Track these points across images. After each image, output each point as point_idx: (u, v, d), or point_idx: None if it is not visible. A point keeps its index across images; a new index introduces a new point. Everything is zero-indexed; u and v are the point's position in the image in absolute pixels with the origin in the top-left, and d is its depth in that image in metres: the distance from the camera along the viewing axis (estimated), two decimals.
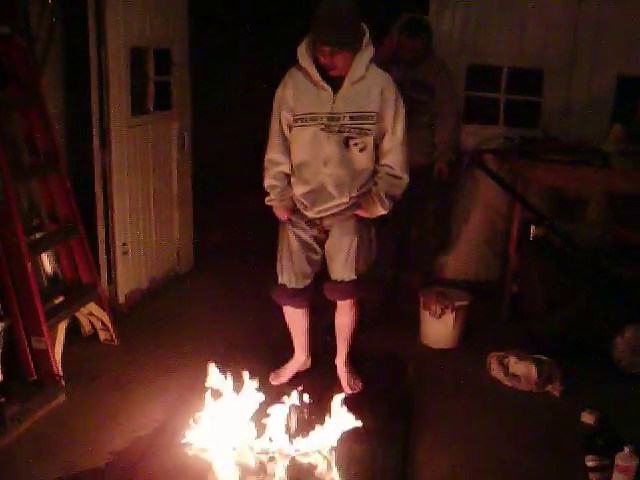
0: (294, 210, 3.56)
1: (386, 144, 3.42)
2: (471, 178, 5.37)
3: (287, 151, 3.50)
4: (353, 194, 3.46)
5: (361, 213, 3.50)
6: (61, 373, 3.76)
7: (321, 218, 3.53)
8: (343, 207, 3.48)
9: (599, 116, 5.13)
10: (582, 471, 3.21)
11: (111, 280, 4.71)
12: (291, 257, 3.60)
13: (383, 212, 3.50)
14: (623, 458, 3.06)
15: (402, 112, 3.40)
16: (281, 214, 3.57)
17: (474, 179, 5.36)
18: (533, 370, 3.98)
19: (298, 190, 3.50)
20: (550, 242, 4.49)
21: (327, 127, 3.34)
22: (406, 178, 3.49)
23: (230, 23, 6.66)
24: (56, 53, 4.36)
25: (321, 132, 3.35)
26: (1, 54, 3.88)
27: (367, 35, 3.34)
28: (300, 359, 3.94)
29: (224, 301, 5.06)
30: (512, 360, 4.07)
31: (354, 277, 3.59)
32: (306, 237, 3.59)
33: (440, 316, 4.45)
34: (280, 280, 3.67)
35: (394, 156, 3.44)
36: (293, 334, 3.89)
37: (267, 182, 3.54)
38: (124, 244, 4.73)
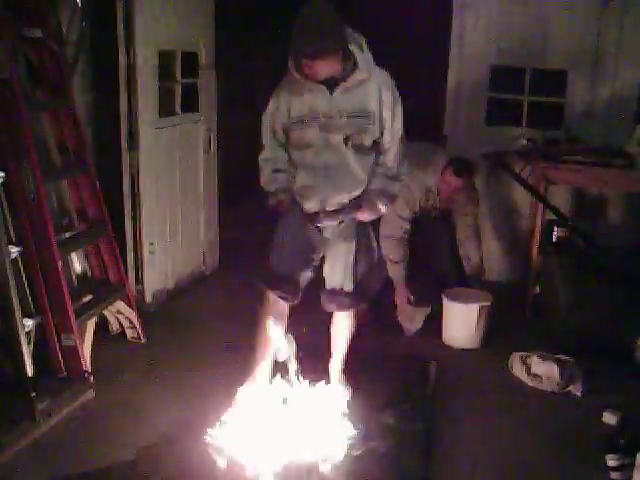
0: (295, 203, 3.50)
1: (383, 142, 3.39)
2: (494, 179, 5.38)
3: (281, 147, 3.47)
4: (354, 192, 3.43)
5: (361, 215, 3.46)
6: (89, 370, 3.83)
7: (319, 216, 3.47)
8: (342, 206, 3.45)
9: (623, 117, 5.12)
10: (603, 470, 3.21)
11: (138, 279, 4.79)
12: (293, 240, 3.49)
13: (383, 211, 3.50)
14: None
15: (400, 110, 3.36)
16: (283, 207, 3.51)
17: (497, 180, 5.38)
18: (555, 370, 3.99)
19: (298, 182, 3.46)
20: (573, 243, 4.49)
21: (325, 127, 3.30)
22: (402, 175, 3.50)
23: (256, 25, 6.71)
24: (86, 56, 4.44)
25: (319, 132, 3.31)
26: (33, 57, 3.97)
27: (364, 41, 3.29)
28: (264, 364, 3.67)
29: (249, 300, 5.08)
30: (534, 360, 4.08)
31: (352, 287, 3.52)
32: (307, 229, 3.50)
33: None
34: (277, 268, 3.50)
35: (391, 154, 3.42)
36: (261, 338, 3.62)
37: (264, 183, 3.51)
38: (151, 244, 4.80)
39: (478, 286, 4.81)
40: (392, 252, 4.55)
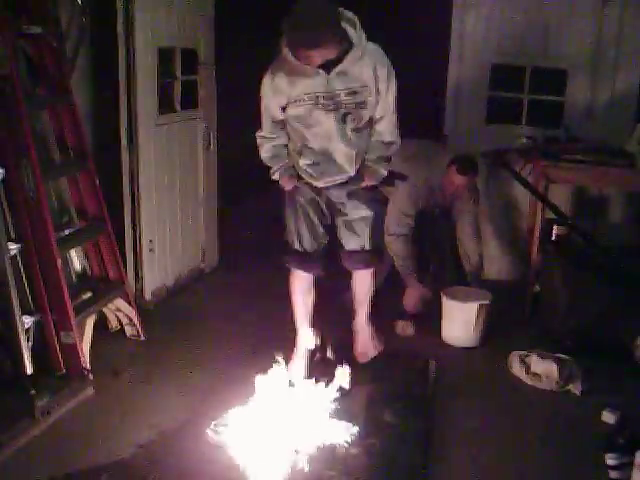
0: (299, 178, 3.67)
1: (378, 112, 3.53)
2: (493, 178, 5.38)
3: (281, 129, 3.60)
4: (356, 165, 3.62)
5: (367, 182, 3.66)
6: (89, 367, 3.83)
7: (328, 188, 3.66)
8: (348, 178, 3.63)
9: (622, 116, 5.12)
10: (602, 469, 3.21)
11: (138, 277, 4.79)
12: (304, 217, 3.70)
13: (384, 173, 3.68)
14: None
15: (394, 83, 3.49)
16: (287, 183, 3.67)
17: (497, 179, 5.38)
18: (555, 369, 3.99)
19: (304, 161, 3.60)
20: (572, 242, 4.49)
21: (324, 105, 3.41)
22: (397, 141, 3.66)
23: (255, 21, 6.70)
24: (85, 53, 4.43)
25: (319, 111, 3.42)
26: (32, 54, 3.96)
27: (356, 19, 3.35)
28: (307, 334, 3.88)
29: (249, 298, 5.10)
30: (534, 359, 4.08)
31: (370, 246, 3.76)
32: (315, 202, 3.71)
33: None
34: (297, 246, 3.73)
35: (385, 123, 3.57)
36: (296, 308, 3.86)
37: (264, 155, 3.66)
38: (150, 241, 4.80)
39: (477, 284, 4.81)
40: (399, 249, 4.59)
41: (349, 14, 3.34)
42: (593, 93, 5.21)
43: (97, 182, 4.16)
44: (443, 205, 4.79)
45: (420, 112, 5.10)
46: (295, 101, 3.43)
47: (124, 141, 4.53)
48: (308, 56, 3.21)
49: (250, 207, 6.60)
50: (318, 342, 3.85)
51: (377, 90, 3.44)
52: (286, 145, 3.64)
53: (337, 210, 3.75)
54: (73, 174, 4.17)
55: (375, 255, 3.83)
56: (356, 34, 3.33)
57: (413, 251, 4.65)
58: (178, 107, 5.07)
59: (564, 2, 5.14)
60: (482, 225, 5.35)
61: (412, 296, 4.71)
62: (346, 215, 3.73)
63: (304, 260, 3.75)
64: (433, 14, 5.80)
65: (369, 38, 3.40)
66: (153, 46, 4.58)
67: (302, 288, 3.82)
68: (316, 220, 3.72)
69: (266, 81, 3.47)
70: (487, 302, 4.47)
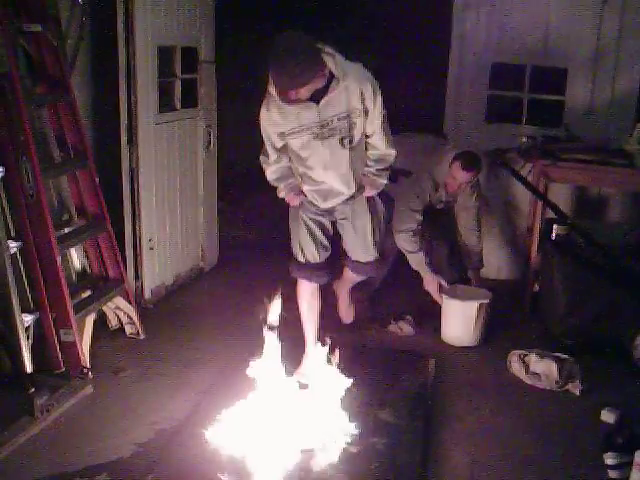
0: (305, 200, 3.81)
1: (369, 128, 3.64)
2: (493, 177, 5.38)
3: (284, 153, 3.69)
4: (358, 181, 3.77)
5: (368, 192, 3.82)
6: (88, 365, 3.83)
7: (335, 208, 3.84)
8: (352, 195, 3.79)
9: (622, 116, 5.12)
10: (601, 469, 3.21)
11: (137, 275, 4.79)
12: (308, 233, 3.84)
13: (384, 182, 3.82)
14: None
15: (379, 97, 3.57)
16: (293, 200, 3.81)
17: (496, 178, 5.38)
18: (554, 368, 3.99)
19: (306, 187, 3.76)
20: (572, 241, 4.49)
21: (319, 135, 3.52)
22: (393, 152, 3.77)
23: (256, 20, 6.70)
24: (85, 51, 4.43)
25: (314, 140, 3.54)
26: (32, 51, 3.97)
27: (333, 50, 3.42)
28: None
29: (248, 297, 5.09)
30: (533, 358, 4.08)
31: (374, 256, 4.01)
32: (319, 217, 3.86)
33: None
34: (300, 259, 3.88)
35: (378, 136, 3.69)
36: (303, 315, 4.02)
37: (270, 177, 3.76)
38: (150, 240, 4.80)
39: (477, 280, 4.81)
40: (408, 244, 4.60)
41: (328, 49, 3.41)
42: (593, 92, 5.22)
43: (97, 180, 4.17)
44: (447, 201, 4.79)
45: (419, 112, 5.09)
46: (291, 133, 3.55)
47: (124, 139, 4.53)
48: (294, 94, 3.30)
49: (249, 206, 6.61)
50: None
51: (365, 109, 3.54)
52: (290, 166, 3.75)
53: (341, 222, 3.92)
54: (73, 172, 4.17)
55: (379, 262, 4.09)
56: (338, 65, 3.40)
57: (422, 243, 4.65)
58: (178, 106, 5.07)
59: (564, 1, 5.14)
60: (482, 224, 5.36)
61: (431, 286, 4.72)
62: (350, 225, 3.90)
63: (308, 271, 3.89)
64: (434, 14, 5.81)
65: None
66: (153, 45, 4.57)
67: (307, 294, 3.96)
68: (319, 233, 3.86)
69: (262, 113, 3.56)
70: (487, 301, 4.47)
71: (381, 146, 3.72)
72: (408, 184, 4.58)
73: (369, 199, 3.86)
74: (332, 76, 3.40)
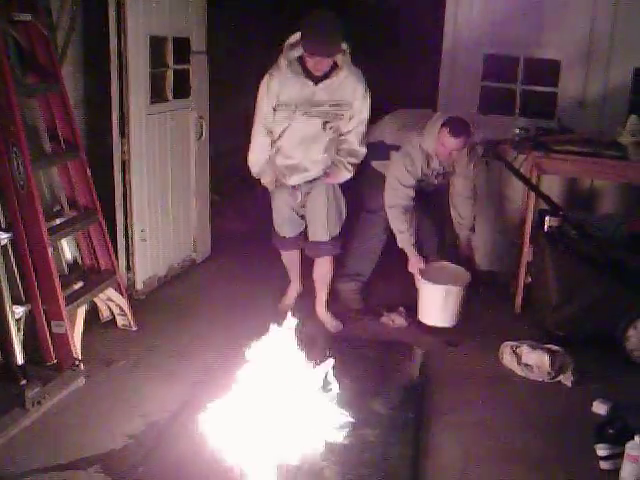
0: (277, 179, 4.30)
1: (351, 123, 4.17)
2: (485, 168, 5.37)
3: (268, 133, 4.18)
4: (323, 166, 4.24)
5: (329, 180, 4.29)
6: (80, 357, 3.82)
7: (300, 186, 4.30)
8: (316, 176, 4.27)
9: (615, 108, 5.12)
10: (593, 460, 3.23)
11: (129, 266, 4.78)
12: (284, 214, 4.41)
13: (349, 176, 4.29)
14: (633, 447, 3.07)
15: (368, 101, 4.14)
16: (269, 185, 4.36)
17: (488, 169, 5.36)
18: (546, 360, 4.00)
19: (279, 161, 4.24)
20: (564, 233, 4.49)
21: (307, 112, 4.05)
22: (363, 149, 4.28)
23: (248, 10, 6.67)
24: (77, 41, 4.41)
25: (301, 116, 4.06)
26: (22, 41, 3.93)
27: (347, 50, 3.99)
28: (296, 286, 4.77)
29: (240, 288, 5.10)
30: (525, 350, 4.09)
31: (327, 238, 4.38)
32: (291, 200, 4.36)
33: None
34: (280, 233, 4.48)
35: (356, 134, 4.21)
36: (289, 270, 4.71)
37: (254, 171, 4.31)
38: (142, 231, 4.78)
39: (468, 247, 4.85)
40: (398, 221, 4.54)
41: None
42: (586, 84, 5.21)
43: (88, 171, 4.15)
44: (443, 173, 4.67)
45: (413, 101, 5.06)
46: (282, 104, 4.05)
47: (116, 130, 4.51)
48: (319, 62, 3.88)
49: (241, 197, 6.59)
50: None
51: (353, 104, 4.09)
52: (269, 155, 4.24)
53: (306, 204, 4.36)
54: (64, 163, 4.15)
55: (332, 244, 4.43)
56: (344, 58, 3.97)
57: (412, 222, 4.57)
58: (170, 96, 5.04)
59: None
60: (475, 215, 5.36)
61: (415, 268, 4.65)
62: (310, 205, 4.34)
63: (286, 243, 4.52)
64: (426, 4, 5.80)
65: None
66: (145, 35, 4.55)
67: (288, 258, 4.65)
68: (292, 213, 4.40)
69: (264, 81, 4.06)
70: (457, 287, 4.47)
71: (355, 143, 4.21)
72: (398, 157, 4.50)
73: (328, 187, 4.28)
74: (335, 65, 3.96)
